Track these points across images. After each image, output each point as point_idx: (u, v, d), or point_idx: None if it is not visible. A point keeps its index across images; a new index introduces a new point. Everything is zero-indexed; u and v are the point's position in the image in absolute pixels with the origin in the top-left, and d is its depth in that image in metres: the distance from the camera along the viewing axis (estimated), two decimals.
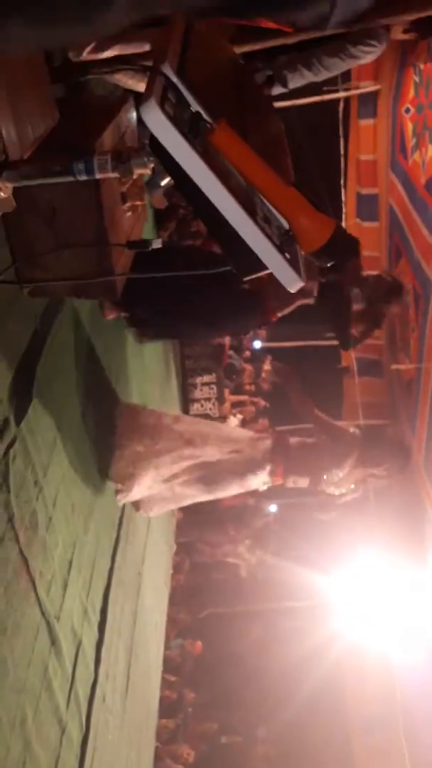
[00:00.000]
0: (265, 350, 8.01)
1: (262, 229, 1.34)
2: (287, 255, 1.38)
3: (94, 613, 2.99)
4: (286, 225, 1.43)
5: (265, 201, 1.41)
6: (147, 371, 4.97)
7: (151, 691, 4.53)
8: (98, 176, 1.70)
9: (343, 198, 5.73)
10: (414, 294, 5.04)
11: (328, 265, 1.43)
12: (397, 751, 6.36)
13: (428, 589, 5.34)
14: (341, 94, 5.22)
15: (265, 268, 1.40)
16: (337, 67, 3.13)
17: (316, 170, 5.18)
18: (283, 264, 1.37)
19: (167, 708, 6.42)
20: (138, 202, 2.54)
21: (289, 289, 1.41)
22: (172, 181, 1.52)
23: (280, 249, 1.37)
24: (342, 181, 5.63)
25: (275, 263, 1.37)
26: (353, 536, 5.90)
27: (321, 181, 5.24)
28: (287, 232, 1.42)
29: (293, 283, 1.40)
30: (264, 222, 1.37)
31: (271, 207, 1.41)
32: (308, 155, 5.11)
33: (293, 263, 1.40)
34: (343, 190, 5.69)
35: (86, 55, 3.22)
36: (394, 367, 5.71)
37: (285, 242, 1.40)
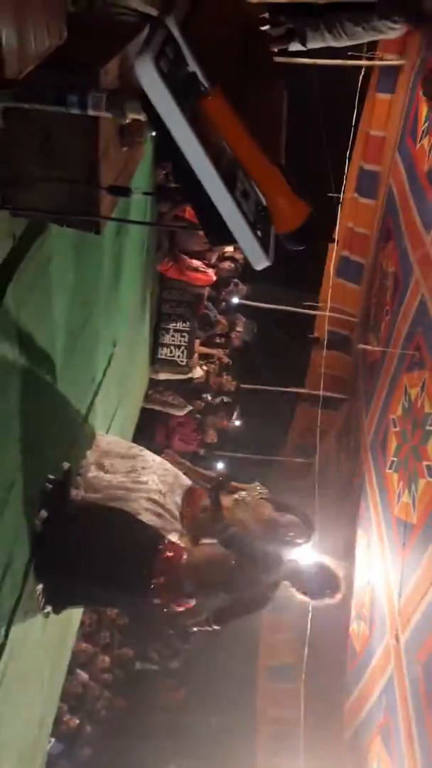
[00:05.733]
0: (240, 307, 8.00)
1: (238, 204, 1.35)
2: (259, 233, 1.41)
3: (26, 534, 3.08)
4: (264, 202, 1.45)
5: (247, 176, 1.42)
6: (122, 308, 4.95)
7: (74, 611, 4.70)
8: (91, 113, 1.68)
9: (345, 169, 5.67)
10: (394, 280, 5.09)
11: (297, 249, 1.46)
12: (295, 700, 6.78)
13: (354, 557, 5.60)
14: (364, 63, 5.09)
15: (235, 241, 1.42)
16: (358, 36, 3.07)
17: (325, 136, 5.09)
18: (253, 241, 1.39)
19: (87, 632, 6.66)
20: (138, 138, 2.48)
21: (254, 267, 1.44)
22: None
23: (253, 226, 1.39)
24: (348, 153, 5.55)
25: (245, 238, 1.39)
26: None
27: (327, 147, 5.16)
28: (264, 210, 1.44)
29: (259, 262, 1.42)
30: (242, 197, 1.39)
31: (252, 183, 1.43)
32: (319, 119, 5.00)
33: (263, 242, 1.42)
34: (347, 161, 5.61)
35: None
36: (360, 346, 5.81)
37: (259, 220, 1.42)
